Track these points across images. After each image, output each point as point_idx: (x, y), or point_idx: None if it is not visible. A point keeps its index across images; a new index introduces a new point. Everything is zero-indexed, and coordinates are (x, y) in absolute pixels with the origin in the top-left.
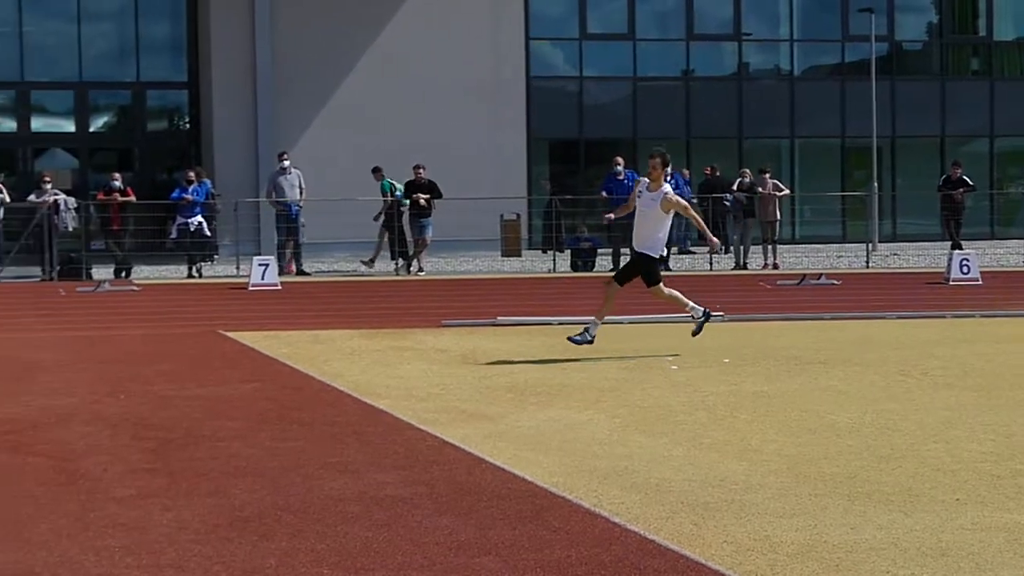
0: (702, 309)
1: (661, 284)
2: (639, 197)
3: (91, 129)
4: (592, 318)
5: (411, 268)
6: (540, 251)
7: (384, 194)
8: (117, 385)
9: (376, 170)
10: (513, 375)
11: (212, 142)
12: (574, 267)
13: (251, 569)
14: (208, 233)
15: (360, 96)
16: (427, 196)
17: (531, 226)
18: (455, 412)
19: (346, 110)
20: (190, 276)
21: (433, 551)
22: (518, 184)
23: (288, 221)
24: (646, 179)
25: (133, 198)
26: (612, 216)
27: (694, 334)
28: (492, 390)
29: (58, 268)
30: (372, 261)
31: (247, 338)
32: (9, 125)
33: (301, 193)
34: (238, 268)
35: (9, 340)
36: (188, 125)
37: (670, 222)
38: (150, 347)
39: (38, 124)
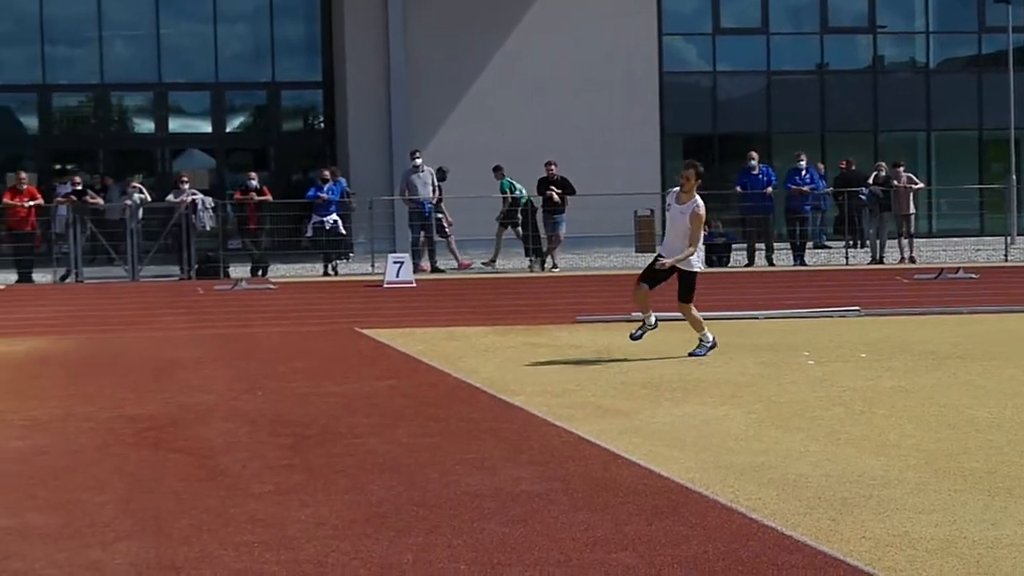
0: (712, 337)
1: (692, 304)
2: (668, 209)
3: (227, 129)
4: (642, 315)
5: (545, 264)
6: None
7: (503, 193)
8: (255, 382)
9: (496, 169)
10: (648, 370)
11: (347, 141)
12: (708, 262)
13: (388, 565)
14: (343, 231)
15: (492, 94)
16: (559, 192)
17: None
18: (590, 408)
19: (478, 108)
20: (326, 274)
21: (569, 547)
22: (652, 180)
23: (421, 219)
24: (676, 189)
25: (269, 197)
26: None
27: (691, 354)
28: (627, 386)
29: (196, 267)
30: (493, 261)
31: (383, 335)
32: (147, 126)
33: (434, 191)
34: (373, 266)
35: (149, 338)
36: (323, 124)
37: (701, 235)
38: (287, 344)
39: (175, 125)
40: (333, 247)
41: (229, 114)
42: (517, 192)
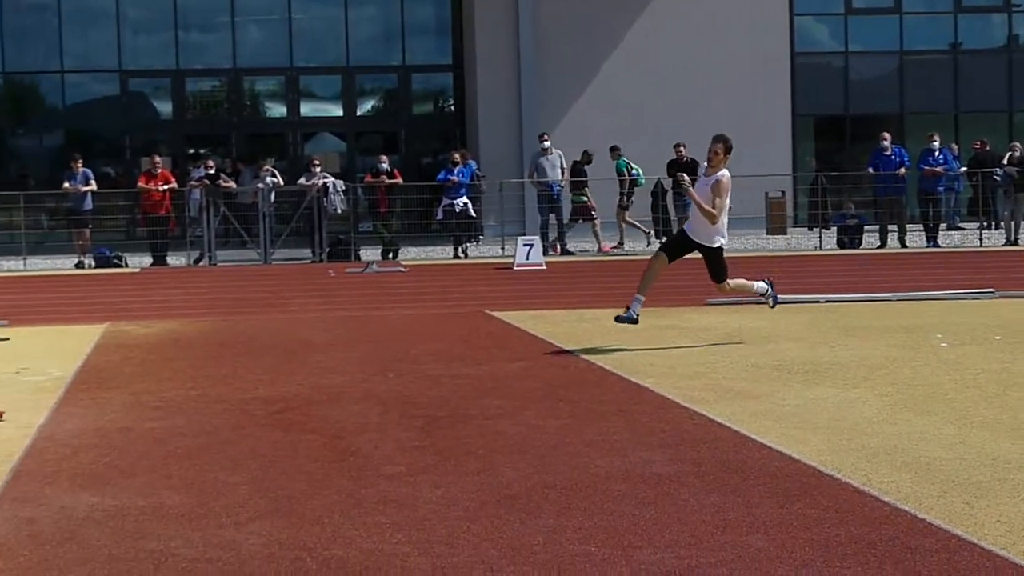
0: (766, 285)
1: (728, 280)
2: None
3: (358, 113)
4: (638, 295)
5: None
6: (806, 228)
7: (620, 174)
8: (386, 364)
9: (613, 149)
10: (779, 353)
11: (476, 124)
12: (840, 244)
13: (519, 546)
14: (473, 214)
15: (621, 76)
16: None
17: (796, 203)
18: (721, 390)
19: (607, 90)
20: (456, 256)
21: (700, 529)
22: (782, 161)
23: (550, 201)
24: (704, 166)
25: (400, 180)
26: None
27: (772, 304)
28: (758, 368)
29: (327, 250)
30: (620, 244)
31: (512, 317)
32: (279, 110)
33: (563, 173)
34: (503, 248)
35: (281, 320)
36: (453, 107)
37: (726, 208)
38: (418, 327)
39: (307, 109)
40: (463, 230)
41: (360, 97)
42: (634, 172)
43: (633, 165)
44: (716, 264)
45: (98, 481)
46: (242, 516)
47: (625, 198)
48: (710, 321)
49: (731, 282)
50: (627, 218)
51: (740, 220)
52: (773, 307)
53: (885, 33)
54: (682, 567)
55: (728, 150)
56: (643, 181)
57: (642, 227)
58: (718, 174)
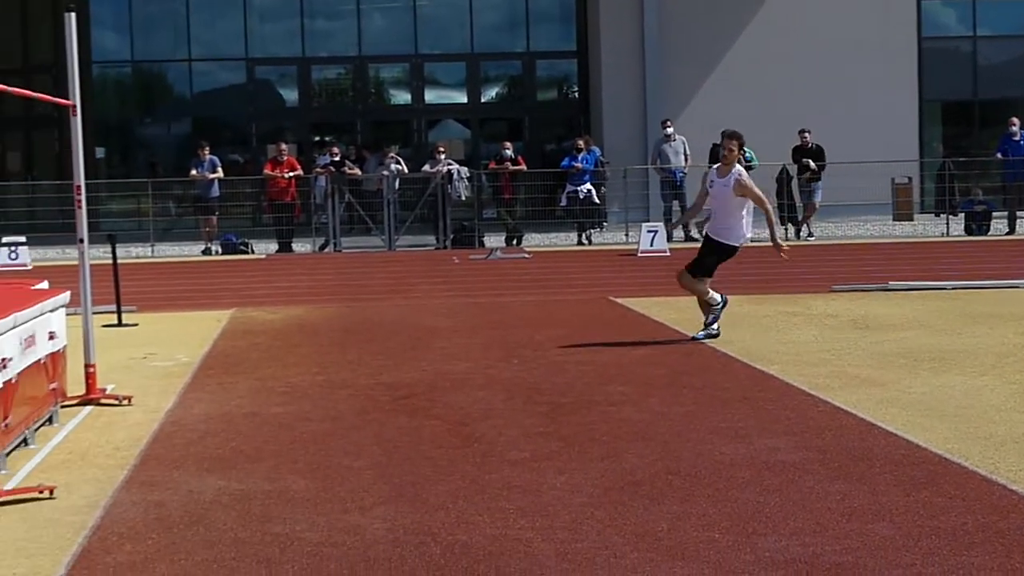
0: (719, 296)
1: (708, 282)
2: (710, 187)
3: (482, 100)
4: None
5: (800, 233)
6: (933, 215)
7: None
8: (510, 350)
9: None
10: (905, 340)
11: (601, 110)
12: (968, 231)
13: (643, 532)
14: (597, 200)
15: (746, 62)
16: (807, 160)
17: (923, 189)
18: (846, 377)
19: (731, 76)
20: (580, 243)
21: (825, 517)
22: (909, 147)
23: (673, 188)
24: (715, 166)
25: (524, 167)
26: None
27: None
28: (884, 356)
29: (451, 236)
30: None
31: (637, 304)
32: (404, 97)
33: (686, 160)
34: (627, 235)
35: (406, 307)
36: (577, 94)
37: (749, 208)
38: (542, 313)
39: (431, 96)
40: (587, 216)
41: (484, 84)
42: (747, 156)
43: (746, 149)
44: (710, 261)
45: (225, 465)
46: (367, 501)
47: None
48: (836, 308)
49: (710, 290)
50: None
51: (867, 207)
52: (707, 328)
53: (1014, 17)
54: (807, 554)
55: (741, 147)
56: (756, 164)
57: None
58: (735, 173)
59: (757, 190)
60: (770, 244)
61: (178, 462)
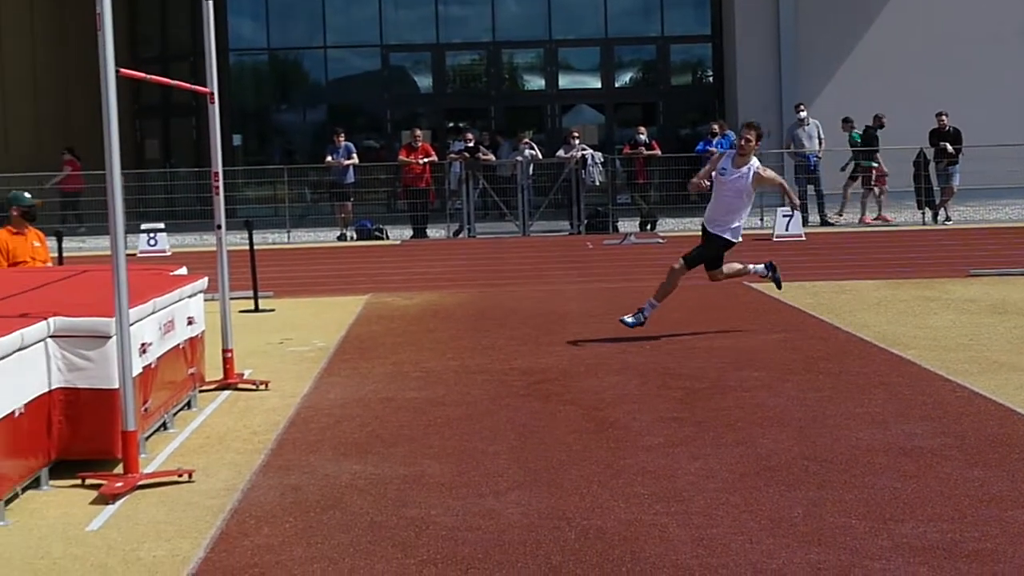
0: (762, 265)
1: (722, 267)
2: (722, 174)
3: (616, 85)
4: (650, 299)
5: (938, 217)
6: None
7: (853, 145)
8: (644, 336)
9: (845, 121)
10: None
11: (735, 94)
12: None
13: (778, 519)
14: None
15: (882, 44)
16: (945, 144)
17: None
18: (985, 363)
19: (868, 60)
20: None
21: (963, 503)
22: None
23: (807, 172)
24: (729, 152)
25: (658, 152)
26: (697, 183)
27: (777, 285)
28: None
29: (585, 222)
30: (840, 214)
31: (772, 288)
32: (538, 83)
33: (820, 144)
34: (762, 219)
35: (540, 292)
36: (711, 78)
37: (749, 205)
38: (675, 298)
39: (565, 81)
40: None
41: (618, 69)
42: (854, 137)
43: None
44: (717, 253)
45: (360, 450)
46: (502, 485)
47: (856, 168)
48: (974, 292)
49: (725, 268)
50: (852, 188)
51: (1005, 190)
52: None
53: None
54: (945, 541)
55: (760, 137)
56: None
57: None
58: (753, 165)
59: (774, 174)
60: (906, 229)
61: (314, 446)
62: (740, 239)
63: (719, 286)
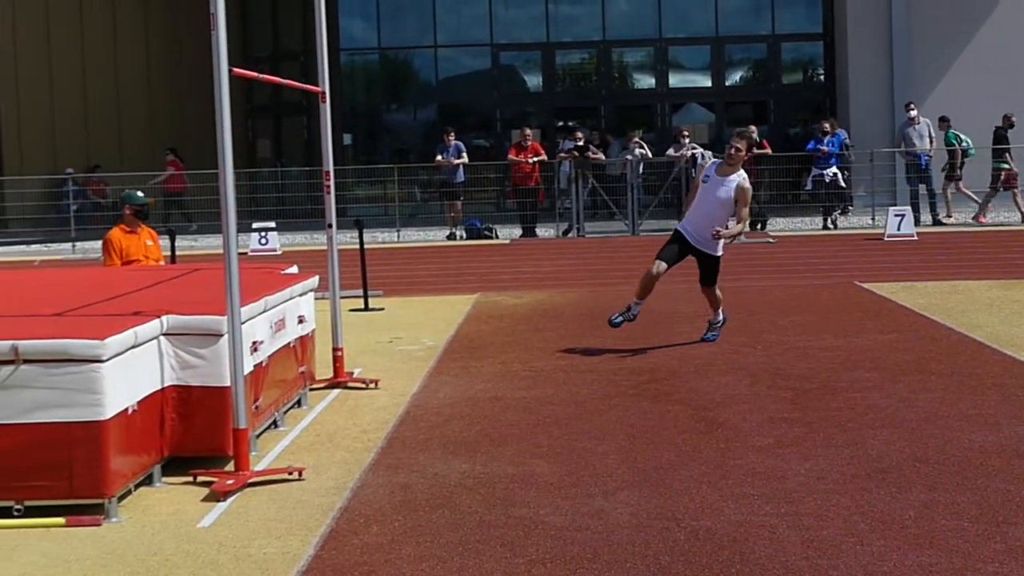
0: (723, 317)
1: (716, 286)
2: (705, 180)
3: (727, 83)
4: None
5: None
6: None
7: (948, 145)
8: (754, 336)
9: (943, 120)
10: None
11: (847, 93)
12: None
13: (889, 520)
14: (843, 184)
15: (997, 41)
16: None
17: None
18: None
19: (982, 56)
20: (825, 227)
21: None
22: None
23: (918, 171)
24: (715, 161)
25: (769, 150)
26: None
27: (703, 339)
28: None
29: None
30: (948, 215)
31: (883, 289)
32: (648, 82)
33: (931, 143)
34: (873, 219)
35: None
36: (822, 77)
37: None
38: (786, 298)
39: (675, 80)
40: (832, 200)
41: (728, 68)
42: (964, 144)
43: (962, 136)
44: (712, 269)
45: (469, 449)
46: (610, 485)
47: (956, 169)
48: None
49: (719, 290)
50: (962, 188)
51: None
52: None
53: None
54: None
55: (751, 148)
56: (973, 152)
57: (975, 197)
58: (738, 177)
59: (746, 209)
60: (1019, 229)
61: (423, 445)
62: (721, 253)
63: (828, 287)
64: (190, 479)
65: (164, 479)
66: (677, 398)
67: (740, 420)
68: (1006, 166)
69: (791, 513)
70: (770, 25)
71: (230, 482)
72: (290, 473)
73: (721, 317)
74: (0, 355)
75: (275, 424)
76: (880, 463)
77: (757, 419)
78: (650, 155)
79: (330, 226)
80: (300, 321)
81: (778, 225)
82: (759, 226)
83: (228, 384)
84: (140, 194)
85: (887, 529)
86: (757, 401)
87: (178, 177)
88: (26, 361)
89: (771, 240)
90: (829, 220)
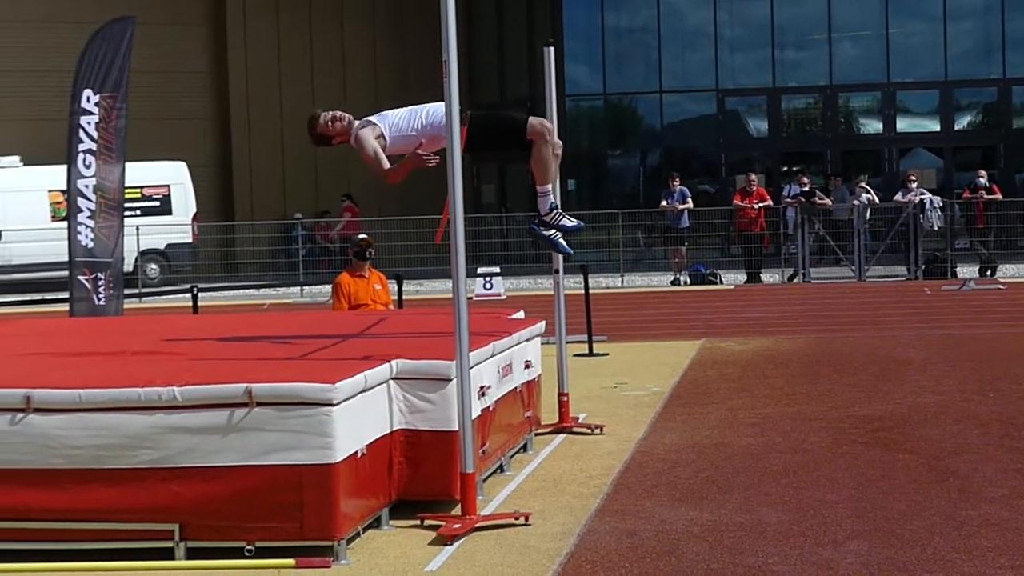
0: None
1: None
2: None
3: (955, 127)
4: None
5: None
6: None
7: None
8: (986, 384)
9: None
10: None
11: None
12: None
13: None
14: None
15: None
16: None
17: None
18: None
19: None
20: None
21: None
22: None
23: None
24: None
25: (999, 195)
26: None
27: None
28: None
29: (923, 267)
30: None
31: None
32: (875, 126)
33: None
34: None
35: (877, 339)
36: None
37: None
38: (1019, 346)
39: (903, 124)
40: None
41: (957, 112)
42: None
43: None
44: None
45: (696, 496)
46: (839, 535)
47: None
48: None
49: None
50: None
51: None
52: None
53: None
54: None
55: None
56: None
57: None
58: None
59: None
60: None
61: (650, 491)
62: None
63: None
64: (417, 523)
65: (392, 522)
66: (908, 447)
67: (972, 470)
68: None
69: None
70: (1001, 68)
71: (457, 526)
72: (516, 518)
73: None
74: (234, 398)
75: (501, 469)
76: None
77: (990, 469)
78: (877, 200)
79: (557, 271)
80: (527, 366)
81: (1009, 271)
82: (989, 272)
83: (456, 428)
84: (361, 236)
85: None
86: (989, 451)
87: (355, 224)
88: (259, 404)
89: (1001, 287)
90: None
